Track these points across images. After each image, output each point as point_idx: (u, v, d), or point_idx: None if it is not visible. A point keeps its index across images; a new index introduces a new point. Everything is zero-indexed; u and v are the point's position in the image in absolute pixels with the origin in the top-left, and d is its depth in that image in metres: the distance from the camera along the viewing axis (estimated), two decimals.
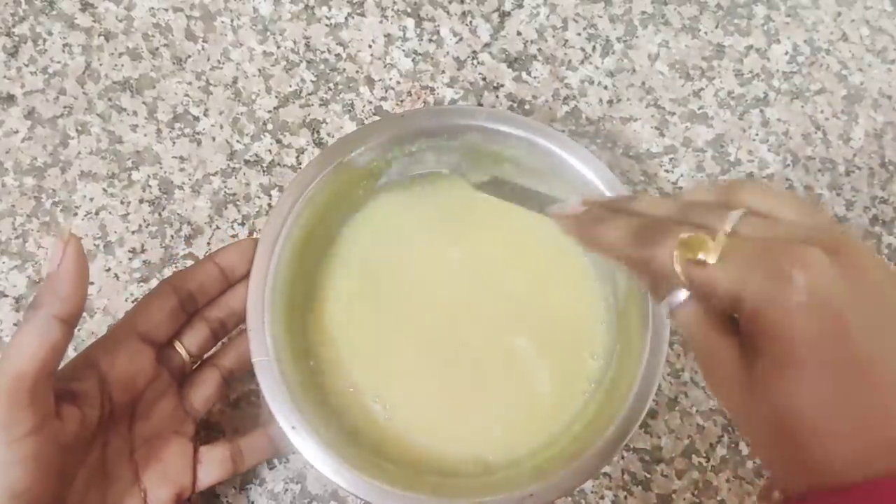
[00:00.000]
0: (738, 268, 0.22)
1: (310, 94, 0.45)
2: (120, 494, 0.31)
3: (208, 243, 0.42)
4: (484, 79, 0.46)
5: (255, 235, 0.42)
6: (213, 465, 0.34)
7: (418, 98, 0.45)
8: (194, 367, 0.36)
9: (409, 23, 0.47)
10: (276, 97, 0.45)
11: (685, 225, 0.24)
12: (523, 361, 0.38)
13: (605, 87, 0.46)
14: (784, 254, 0.22)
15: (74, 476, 0.29)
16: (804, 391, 0.22)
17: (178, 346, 0.34)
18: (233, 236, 0.42)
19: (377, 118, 0.45)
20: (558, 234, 0.36)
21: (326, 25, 0.46)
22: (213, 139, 0.44)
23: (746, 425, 0.24)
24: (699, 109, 0.46)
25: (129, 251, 0.42)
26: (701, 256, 0.22)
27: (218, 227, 0.42)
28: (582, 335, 0.38)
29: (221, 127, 0.44)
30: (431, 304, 0.39)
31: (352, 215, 0.40)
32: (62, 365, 0.30)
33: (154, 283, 0.41)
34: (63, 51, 0.45)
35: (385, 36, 0.46)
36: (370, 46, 0.46)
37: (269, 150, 0.44)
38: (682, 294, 0.24)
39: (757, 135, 0.46)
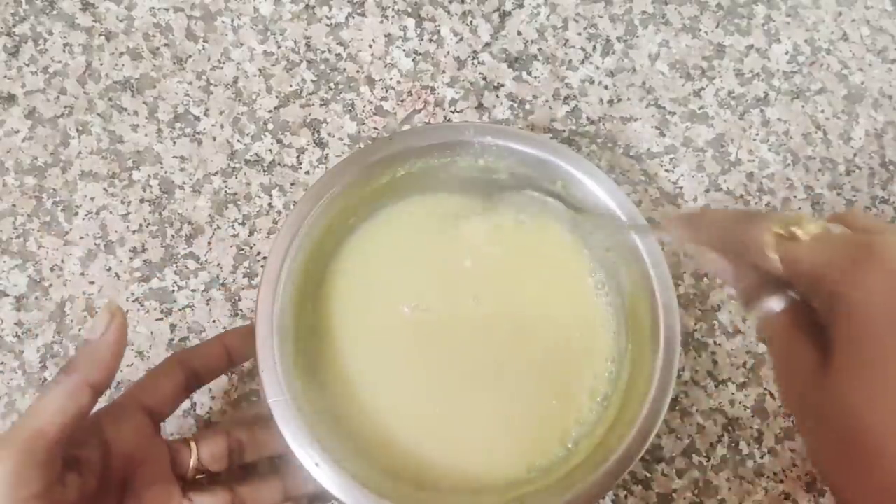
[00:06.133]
0: (825, 247, 0.23)
1: (310, 94, 0.45)
2: None
3: (209, 243, 0.42)
4: (484, 79, 0.46)
5: (254, 236, 0.42)
6: None
7: (419, 98, 0.45)
8: (206, 477, 0.34)
9: (410, 23, 0.47)
10: (277, 97, 0.45)
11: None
12: (538, 375, 0.38)
13: (606, 87, 0.46)
14: (866, 239, 0.22)
15: None
16: (878, 385, 0.21)
17: (192, 444, 0.33)
18: (233, 235, 0.42)
19: (376, 116, 0.45)
20: (560, 242, 0.37)
21: (327, 25, 0.46)
22: (214, 139, 0.44)
23: (812, 432, 0.23)
24: (699, 109, 0.46)
25: (130, 251, 0.42)
26: (795, 229, 0.24)
27: (219, 227, 0.42)
28: (591, 342, 0.38)
29: (222, 126, 0.44)
30: (439, 324, 0.38)
31: (347, 242, 0.39)
32: None
33: (154, 282, 0.41)
34: (64, 50, 0.45)
35: (385, 36, 0.46)
36: (371, 46, 0.46)
37: (270, 150, 0.44)
38: (775, 302, 0.25)
39: (757, 134, 0.46)
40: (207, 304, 0.41)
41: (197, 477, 0.34)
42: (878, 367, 0.21)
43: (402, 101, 0.45)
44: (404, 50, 0.46)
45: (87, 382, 0.28)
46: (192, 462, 0.33)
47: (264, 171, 0.43)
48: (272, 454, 0.35)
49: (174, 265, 0.42)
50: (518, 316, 0.38)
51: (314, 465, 0.33)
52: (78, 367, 0.28)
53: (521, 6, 0.48)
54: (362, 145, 0.44)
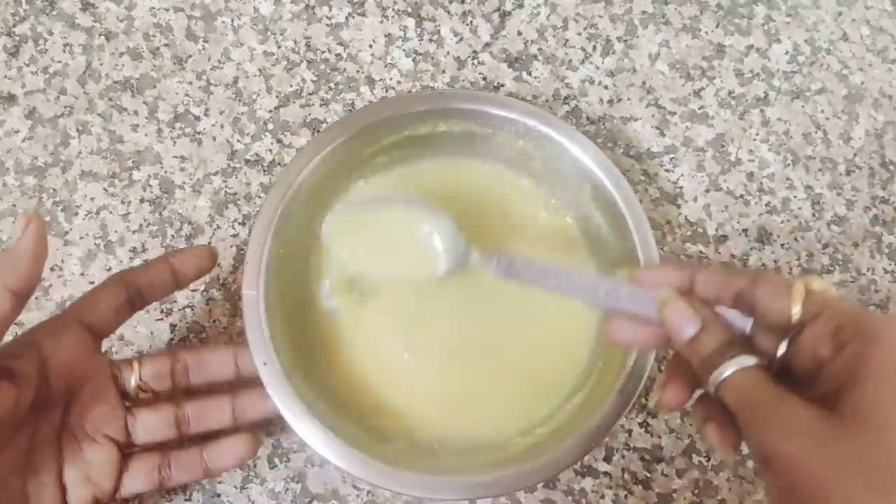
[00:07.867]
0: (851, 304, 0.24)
1: (310, 94, 0.45)
2: (40, 486, 0.31)
3: (209, 243, 0.42)
4: (484, 78, 0.46)
5: None
6: (138, 476, 0.33)
7: None
8: (150, 393, 0.35)
9: (410, 23, 0.47)
10: (277, 97, 0.45)
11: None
12: (519, 338, 0.39)
13: (606, 87, 0.46)
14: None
15: None
16: None
17: (135, 363, 0.34)
18: (233, 235, 0.42)
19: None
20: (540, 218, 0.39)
21: (327, 25, 0.46)
22: (214, 139, 0.44)
23: (815, 480, 0.22)
24: (699, 109, 0.46)
25: (130, 250, 0.42)
26: (819, 286, 0.26)
27: (218, 227, 0.42)
28: (577, 310, 0.39)
29: (222, 126, 0.44)
30: (430, 293, 0.39)
31: (335, 204, 0.40)
32: None
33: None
34: (64, 50, 0.45)
35: (385, 36, 0.46)
36: (371, 46, 0.46)
37: (270, 150, 0.44)
38: (746, 359, 0.25)
39: (757, 134, 0.46)
40: (207, 304, 0.41)
41: (141, 396, 0.34)
42: None
43: None
44: (404, 50, 0.46)
45: (7, 287, 0.28)
46: (134, 380, 0.34)
47: (264, 171, 0.43)
48: (219, 377, 0.35)
49: None
50: (506, 290, 0.39)
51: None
52: None
53: (521, 6, 0.48)
54: None
